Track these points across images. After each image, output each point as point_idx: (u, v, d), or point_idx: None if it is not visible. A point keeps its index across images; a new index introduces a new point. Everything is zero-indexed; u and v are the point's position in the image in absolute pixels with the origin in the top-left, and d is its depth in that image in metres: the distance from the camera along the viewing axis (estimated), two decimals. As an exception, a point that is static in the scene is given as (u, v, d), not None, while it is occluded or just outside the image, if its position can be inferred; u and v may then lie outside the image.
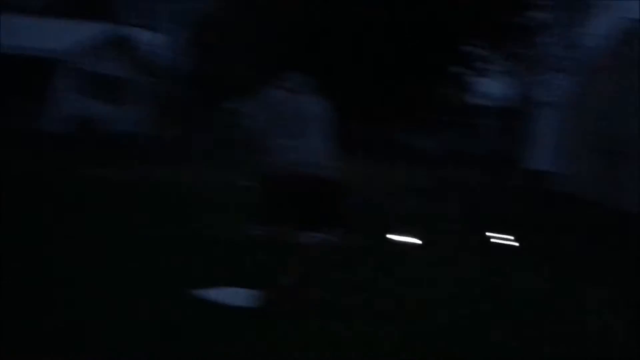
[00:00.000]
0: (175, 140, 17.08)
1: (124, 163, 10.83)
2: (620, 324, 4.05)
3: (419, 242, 6.06)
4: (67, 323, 3.12)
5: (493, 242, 6.12)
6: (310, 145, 3.67)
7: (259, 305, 3.58)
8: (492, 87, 28.16)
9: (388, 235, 6.14)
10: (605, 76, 14.86)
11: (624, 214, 11.42)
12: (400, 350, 3.20)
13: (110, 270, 4.13)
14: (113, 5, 44.63)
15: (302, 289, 3.60)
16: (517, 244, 6.16)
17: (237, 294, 3.86)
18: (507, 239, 6.10)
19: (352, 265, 4.86)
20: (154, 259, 4.50)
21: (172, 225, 5.85)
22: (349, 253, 4.87)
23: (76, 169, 9.65)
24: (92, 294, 3.61)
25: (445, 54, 26.68)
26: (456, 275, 5.01)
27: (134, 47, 22.89)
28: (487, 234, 6.12)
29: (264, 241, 3.80)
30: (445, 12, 23.79)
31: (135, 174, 8.73)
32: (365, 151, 24.30)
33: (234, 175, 10.70)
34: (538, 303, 4.50)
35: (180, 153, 13.80)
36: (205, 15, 33.45)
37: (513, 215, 6.27)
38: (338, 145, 3.98)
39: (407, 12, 22.34)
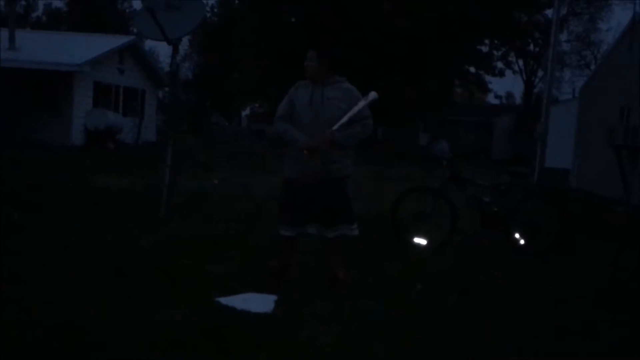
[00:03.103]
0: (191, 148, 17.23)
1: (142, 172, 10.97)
2: None
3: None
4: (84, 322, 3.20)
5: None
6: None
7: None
8: (506, 85, 27.89)
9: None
10: (620, 71, 14.73)
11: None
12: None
13: (132, 275, 4.22)
14: (127, 19, 44.98)
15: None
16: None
17: (261, 300, 3.91)
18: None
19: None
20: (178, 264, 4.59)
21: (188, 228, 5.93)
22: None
23: (93, 179, 9.82)
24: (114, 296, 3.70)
25: (459, 52, 26.63)
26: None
27: (148, 58, 23.19)
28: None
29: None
30: (459, 10, 23.68)
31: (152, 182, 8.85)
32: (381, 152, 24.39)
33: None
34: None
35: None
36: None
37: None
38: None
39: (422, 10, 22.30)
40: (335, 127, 3.97)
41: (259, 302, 3.84)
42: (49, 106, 17.98)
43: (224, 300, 3.84)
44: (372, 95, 4.17)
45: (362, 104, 4.08)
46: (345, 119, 3.99)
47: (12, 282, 3.95)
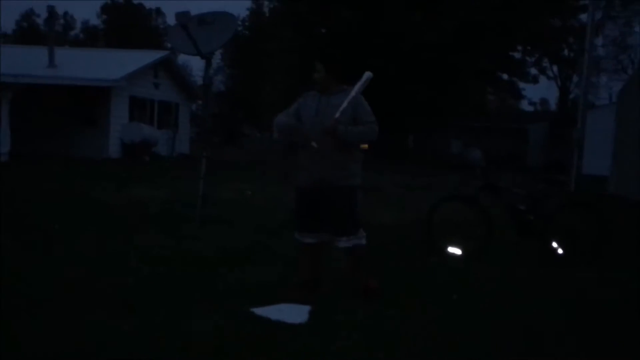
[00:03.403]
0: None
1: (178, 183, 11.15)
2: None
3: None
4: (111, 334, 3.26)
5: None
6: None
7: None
8: (540, 92, 27.47)
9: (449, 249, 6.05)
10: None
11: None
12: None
13: (169, 284, 4.29)
14: (161, 35, 45.86)
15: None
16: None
17: (295, 310, 3.92)
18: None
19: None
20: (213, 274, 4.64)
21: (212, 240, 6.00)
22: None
23: (129, 190, 10.02)
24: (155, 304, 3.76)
25: (491, 59, 26.38)
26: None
27: (182, 72, 23.61)
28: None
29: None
30: (492, 17, 23.47)
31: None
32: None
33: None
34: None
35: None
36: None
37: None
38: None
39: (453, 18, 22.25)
40: (337, 115, 4.00)
41: (294, 313, 3.85)
42: (87, 121, 18.49)
43: (258, 310, 3.86)
44: (367, 75, 4.17)
45: (358, 85, 4.11)
46: (345, 103, 4.03)
47: (40, 287, 4.09)
